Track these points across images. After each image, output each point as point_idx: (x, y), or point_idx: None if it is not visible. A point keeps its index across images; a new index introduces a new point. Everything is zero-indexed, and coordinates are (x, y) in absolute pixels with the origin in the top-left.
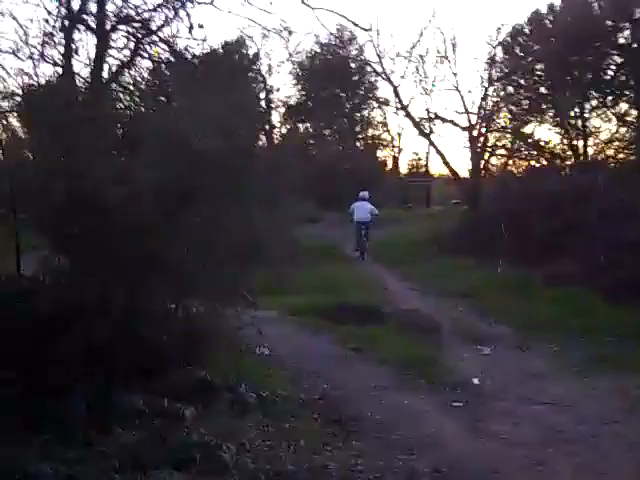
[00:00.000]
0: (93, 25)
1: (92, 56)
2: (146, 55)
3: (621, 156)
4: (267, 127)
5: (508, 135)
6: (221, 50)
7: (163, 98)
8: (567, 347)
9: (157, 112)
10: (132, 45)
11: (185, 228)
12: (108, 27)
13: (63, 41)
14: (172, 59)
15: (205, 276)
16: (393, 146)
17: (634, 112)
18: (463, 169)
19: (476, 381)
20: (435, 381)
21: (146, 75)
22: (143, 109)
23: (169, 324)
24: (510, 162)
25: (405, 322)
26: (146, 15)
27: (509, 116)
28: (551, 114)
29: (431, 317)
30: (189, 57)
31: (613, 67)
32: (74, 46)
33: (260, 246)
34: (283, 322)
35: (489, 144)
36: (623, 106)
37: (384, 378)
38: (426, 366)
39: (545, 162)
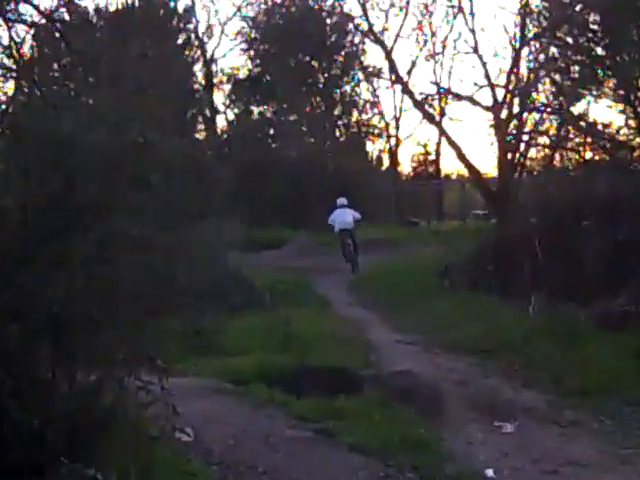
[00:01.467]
0: None
1: None
2: None
3: None
4: (206, 112)
5: (551, 116)
6: (137, 3)
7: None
8: (627, 421)
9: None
10: None
11: (64, 261)
12: None
13: None
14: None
15: (94, 330)
16: (388, 136)
17: None
18: (488, 166)
19: (491, 473)
20: (431, 476)
21: None
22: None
23: (44, 402)
24: (555, 155)
25: (393, 390)
26: None
27: (552, 89)
28: (612, 85)
29: (432, 382)
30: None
31: None
32: None
33: (173, 285)
34: (217, 394)
35: (524, 130)
36: None
37: (357, 473)
38: (418, 453)
39: (605, 154)
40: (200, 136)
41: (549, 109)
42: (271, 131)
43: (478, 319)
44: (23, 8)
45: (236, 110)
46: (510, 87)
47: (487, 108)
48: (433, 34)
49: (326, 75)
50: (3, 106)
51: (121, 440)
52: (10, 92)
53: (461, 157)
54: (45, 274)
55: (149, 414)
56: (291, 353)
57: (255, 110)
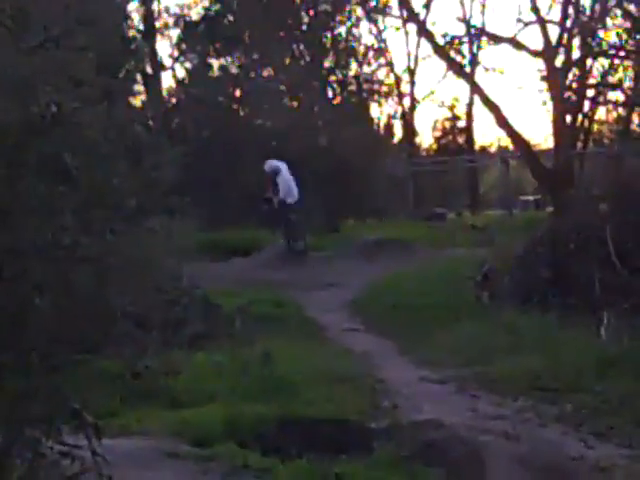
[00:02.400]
0: None
1: None
2: None
3: None
4: (146, 68)
5: (625, 62)
6: None
7: None
8: None
9: None
10: None
11: None
12: None
13: None
14: None
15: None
16: (400, 96)
17: None
18: (540, 135)
19: None
20: None
21: None
22: None
23: None
24: (632, 117)
25: (415, 448)
26: None
27: (626, 25)
28: None
29: (468, 435)
30: None
31: None
32: None
33: (104, 310)
34: (171, 460)
35: (589, 82)
36: None
37: None
38: None
39: None
40: (137, 102)
41: (622, 53)
42: (237, 92)
43: (531, 346)
44: None
45: (188, 64)
46: (567, 24)
47: (536, 53)
48: None
49: (311, 13)
50: None
51: None
52: None
53: (502, 122)
54: None
55: None
56: (272, 400)
57: (215, 64)
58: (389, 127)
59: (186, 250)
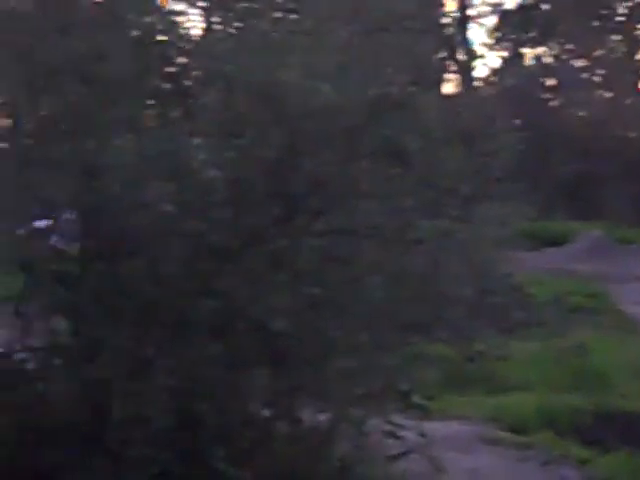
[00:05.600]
0: None
1: None
2: None
3: None
4: (459, 56)
5: None
6: None
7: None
8: None
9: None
10: None
11: (285, 259)
12: None
13: None
14: None
15: (325, 355)
16: None
17: None
18: None
19: None
20: None
21: None
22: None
23: (258, 450)
24: None
25: None
26: None
27: None
28: None
29: None
30: None
31: None
32: None
33: (437, 294)
34: (489, 446)
35: None
36: None
37: None
38: None
39: None
40: (451, 89)
41: None
42: (549, 82)
43: None
44: None
45: (503, 53)
46: None
47: None
48: None
49: (627, 4)
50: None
51: None
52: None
53: None
54: (258, 276)
55: (400, 470)
56: (586, 392)
57: (528, 53)
58: None
59: (508, 238)
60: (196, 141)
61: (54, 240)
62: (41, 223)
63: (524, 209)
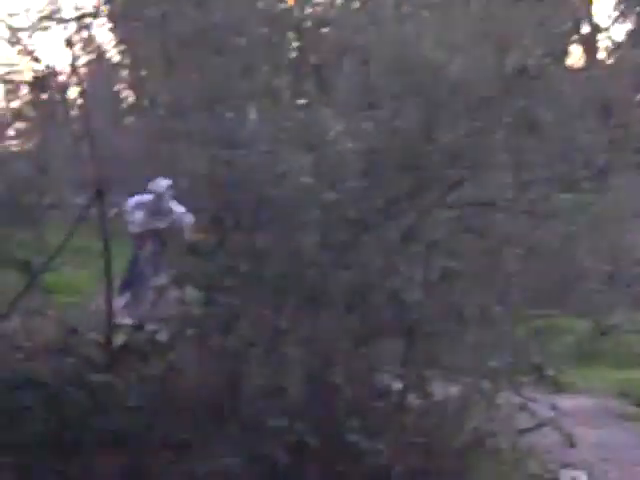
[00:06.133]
0: None
1: None
2: None
3: None
4: (580, 30)
5: None
6: None
7: None
8: None
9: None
10: None
11: (418, 230)
12: None
13: None
14: None
15: (459, 328)
16: None
17: None
18: None
19: None
20: None
21: None
22: None
23: (392, 423)
24: None
25: None
26: None
27: None
28: None
29: None
30: None
31: None
32: None
33: (572, 266)
34: (620, 420)
35: None
36: None
37: None
38: None
39: None
40: (577, 61)
41: None
42: None
43: None
44: None
45: (627, 25)
46: None
47: None
48: None
49: None
50: None
51: (491, 478)
52: None
53: None
54: (392, 248)
55: (530, 443)
56: None
57: None
58: None
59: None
60: (332, 112)
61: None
62: (162, 183)
63: None
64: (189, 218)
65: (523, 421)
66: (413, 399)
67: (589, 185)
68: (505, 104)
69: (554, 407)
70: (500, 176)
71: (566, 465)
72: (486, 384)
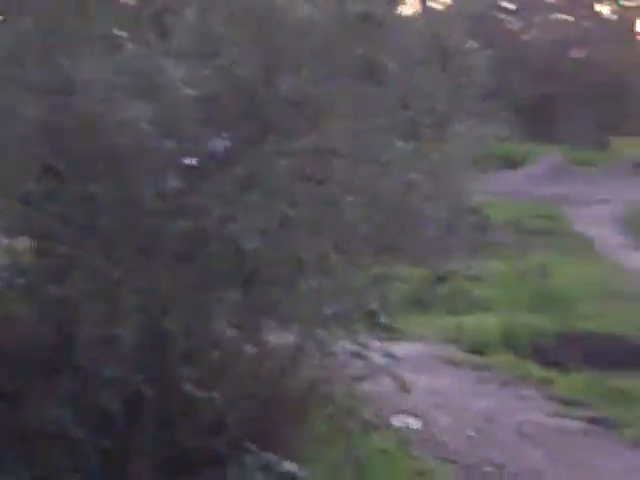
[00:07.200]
0: None
1: None
2: None
3: None
4: None
5: None
6: None
7: None
8: None
9: None
10: None
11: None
12: None
13: None
14: None
15: (294, 274)
16: None
17: None
18: None
19: None
20: None
21: None
22: None
23: (225, 370)
24: None
25: None
26: None
27: None
28: None
29: None
30: None
31: None
32: None
33: (410, 215)
34: (449, 366)
35: None
36: None
37: None
38: None
39: None
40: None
41: None
42: (508, 5)
43: None
44: None
45: None
46: None
47: None
48: None
49: None
50: None
51: (325, 425)
52: None
53: None
54: (230, 196)
55: (364, 390)
56: (547, 312)
57: None
58: None
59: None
60: (171, 60)
61: None
62: None
63: (497, 129)
64: None
65: (357, 368)
66: (249, 348)
67: (430, 133)
68: (347, 51)
69: (388, 354)
70: (341, 124)
71: (399, 412)
72: (321, 332)
